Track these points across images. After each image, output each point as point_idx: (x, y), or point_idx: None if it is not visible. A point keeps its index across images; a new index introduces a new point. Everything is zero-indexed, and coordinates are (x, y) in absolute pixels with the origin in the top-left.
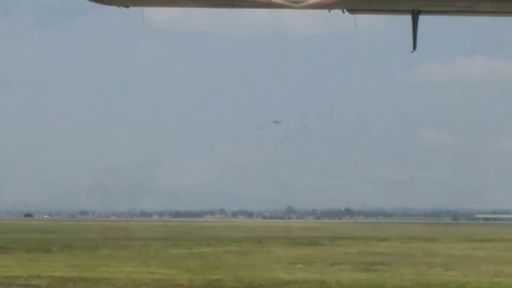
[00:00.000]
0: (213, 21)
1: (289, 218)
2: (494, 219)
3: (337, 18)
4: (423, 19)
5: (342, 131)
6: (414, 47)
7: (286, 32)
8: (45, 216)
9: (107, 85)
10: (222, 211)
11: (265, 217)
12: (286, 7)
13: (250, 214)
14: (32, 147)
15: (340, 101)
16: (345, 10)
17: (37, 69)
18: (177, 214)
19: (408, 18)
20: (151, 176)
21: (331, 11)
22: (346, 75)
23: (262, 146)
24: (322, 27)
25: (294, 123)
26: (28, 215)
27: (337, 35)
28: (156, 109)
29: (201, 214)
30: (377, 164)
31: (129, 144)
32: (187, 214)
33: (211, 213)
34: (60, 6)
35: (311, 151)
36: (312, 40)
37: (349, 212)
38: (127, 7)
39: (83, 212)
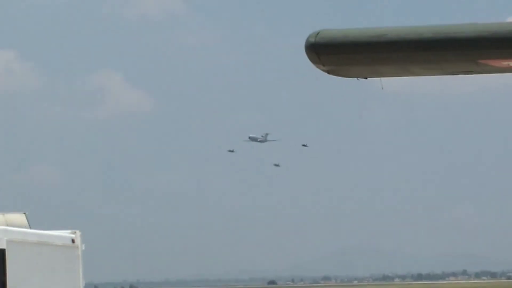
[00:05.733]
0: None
1: None
2: None
3: None
4: None
5: None
6: None
7: None
8: (288, 283)
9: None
10: (464, 272)
11: (509, 277)
12: None
13: (493, 275)
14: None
15: None
16: None
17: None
18: (419, 277)
19: None
20: (392, 240)
21: None
22: None
23: (501, 205)
24: None
25: None
26: (272, 282)
27: None
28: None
29: (443, 276)
30: None
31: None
32: (429, 277)
33: (454, 274)
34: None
35: None
36: None
37: None
38: (366, 78)
39: (326, 278)
